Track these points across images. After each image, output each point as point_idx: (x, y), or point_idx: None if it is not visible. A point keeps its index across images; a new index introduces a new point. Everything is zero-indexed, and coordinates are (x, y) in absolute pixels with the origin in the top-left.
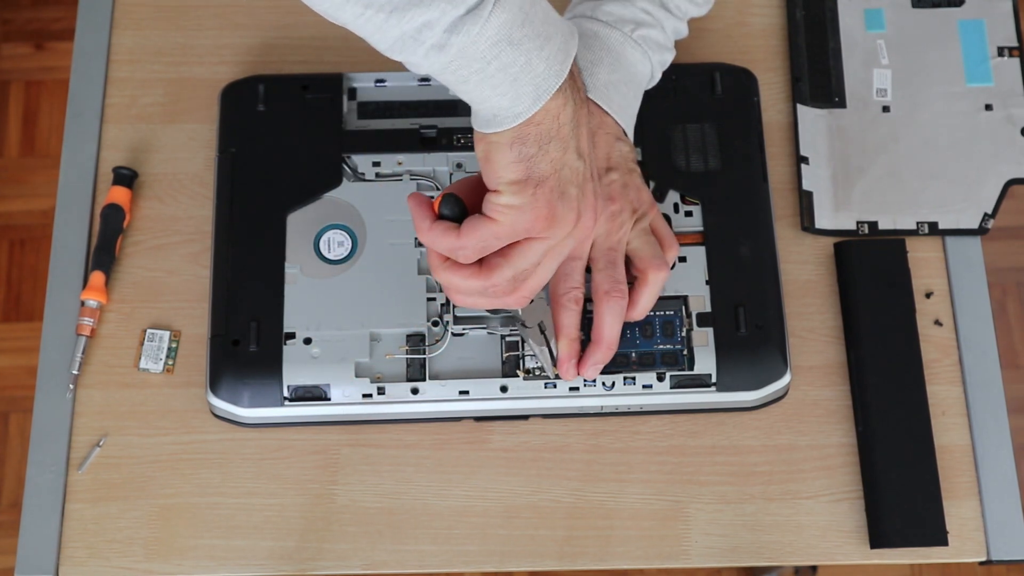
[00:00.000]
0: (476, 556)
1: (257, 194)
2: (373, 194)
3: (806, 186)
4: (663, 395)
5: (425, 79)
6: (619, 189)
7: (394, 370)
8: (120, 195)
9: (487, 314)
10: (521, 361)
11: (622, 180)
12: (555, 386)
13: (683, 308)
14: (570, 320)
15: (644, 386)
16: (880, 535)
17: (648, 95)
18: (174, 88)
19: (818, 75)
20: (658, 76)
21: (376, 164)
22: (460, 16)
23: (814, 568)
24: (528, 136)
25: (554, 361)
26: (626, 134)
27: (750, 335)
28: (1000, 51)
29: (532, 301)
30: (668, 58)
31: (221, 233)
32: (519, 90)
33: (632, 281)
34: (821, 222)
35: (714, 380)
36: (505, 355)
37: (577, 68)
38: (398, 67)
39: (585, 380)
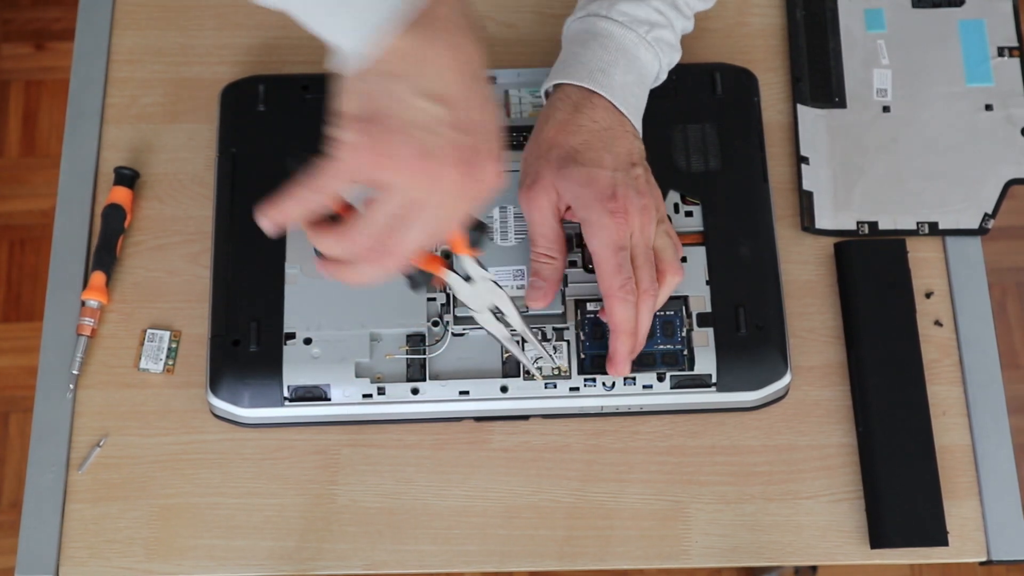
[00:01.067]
0: (476, 556)
1: (257, 194)
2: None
3: (806, 186)
4: (663, 395)
5: None
6: (644, 184)
7: (394, 370)
8: (121, 195)
9: None
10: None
11: (646, 176)
12: (555, 386)
13: (683, 308)
14: (627, 313)
15: (644, 386)
16: (880, 535)
17: (649, 95)
18: (174, 88)
19: (818, 75)
20: (664, 77)
21: None
22: None
23: (814, 568)
24: (369, 72)
25: (522, 346)
26: (637, 136)
27: (750, 335)
28: (1000, 51)
29: (471, 280)
30: (676, 58)
31: (221, 233)
32: (343, 25)
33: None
34: (821, 222)
35: (714, 380)
36: (505, 355)
37: (448, 10)
38: None
39: (585, 380)
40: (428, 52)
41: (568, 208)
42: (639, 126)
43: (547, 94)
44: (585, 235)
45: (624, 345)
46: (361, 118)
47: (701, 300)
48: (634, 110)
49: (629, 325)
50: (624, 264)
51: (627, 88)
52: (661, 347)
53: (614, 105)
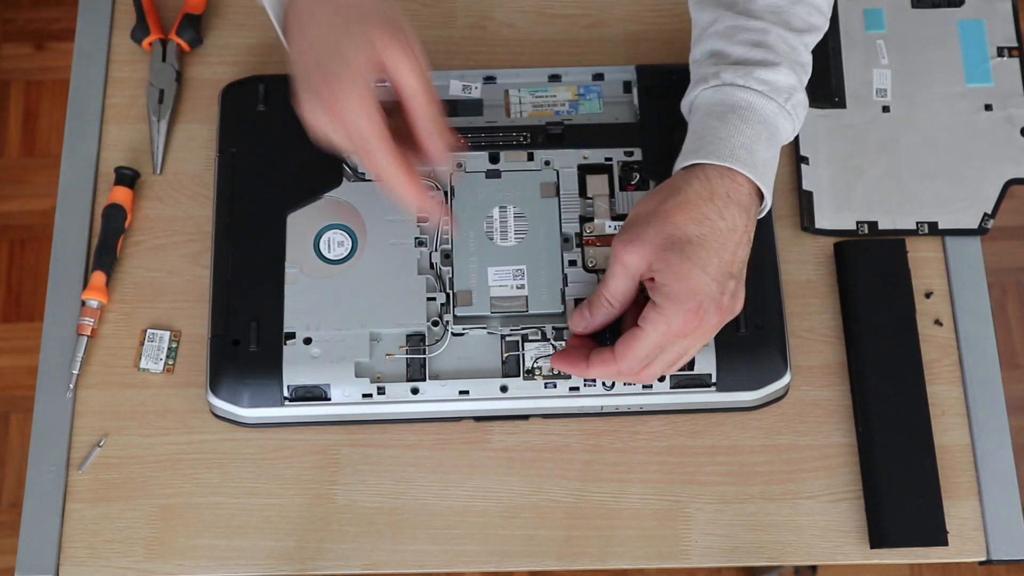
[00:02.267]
0: (476, 556)
1: (257, 194)
2: (373, 194)
3: (806, 186)
4: (663, 395)
5: None
6: (729, 300)
7: (394, 370)
8: (122, 195)
9: (487, 314)
10: (521, 361)
11: (734, 291)
12: (555, 386)
13: None
14: (606, 374)
15: (644, 386)
16: (880, 535)
17: (649, 95)
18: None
19: (818, 75)
20: (791, 138)
21: None
22: None
23: (814, 568)
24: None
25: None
26: (766, 211)
27: (750, 335)
28: (1000, 51)
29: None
30: (804, 115)
31: (221, 233)
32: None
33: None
34: (821, 222)
35: (714, 380)
36: (505, 355)
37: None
38: None
39: (585, 380)
40: None
41: (652, 279)
42: (771, 199)
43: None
44: (645, 312)
45: (571, 369)
46: None
47: None
48: (769, 186)
49: (594, 377)
50: (650, 357)
51: (768, 165)
52: None
53: (756, 187)
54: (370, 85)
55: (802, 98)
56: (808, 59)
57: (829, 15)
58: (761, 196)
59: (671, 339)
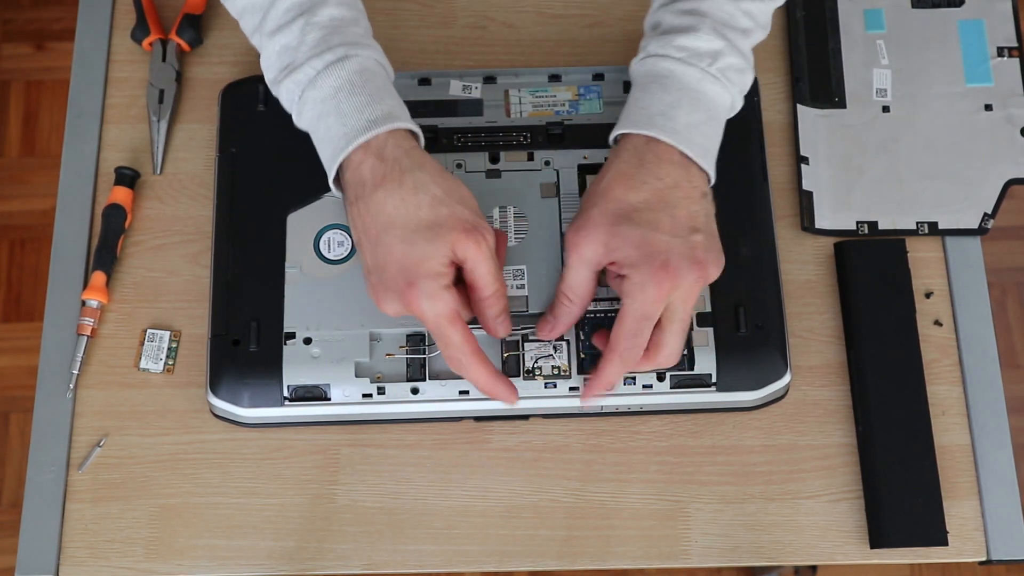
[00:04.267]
0: (476, 556)
1: (257, 194)
2: None
3: (806, 186)
4: (663, 395)
5: (425, 79)
6: (703, 253)
7: (394, 370)
8: (122, 195)
9: None
10: (521, 361)
11: (705, 243)
12: (555, 386)
13: None
14: (615, 373)
15: (644, 386)
16: (880, 535)
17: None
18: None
19: (818, 75)
20: (739, 103)
21: None
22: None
23: (814, 568)
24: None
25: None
26: (710, 180)
27: (750, 335)
28: (1000, 51)
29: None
30: (749, 80)
31: (221, 233)
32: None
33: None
34: (821, 222)
35: (714, 380)
36: (505, 355)
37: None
38: (398, 67)
39: (585, 380)
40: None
41: (613, 262)
42: (711, 166)
43: (615, 141)
44: (622, 291)
45: (596, 390)
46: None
47: (701, 300)
48: (702, 150)
49: (611, 381)
50: (642, 332)
51: (694, 128)
52: None
53: (681, 152)
54: (451, 289)
55: (733, 61)
56: (748, 24)
57: None
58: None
59: (654, 306)
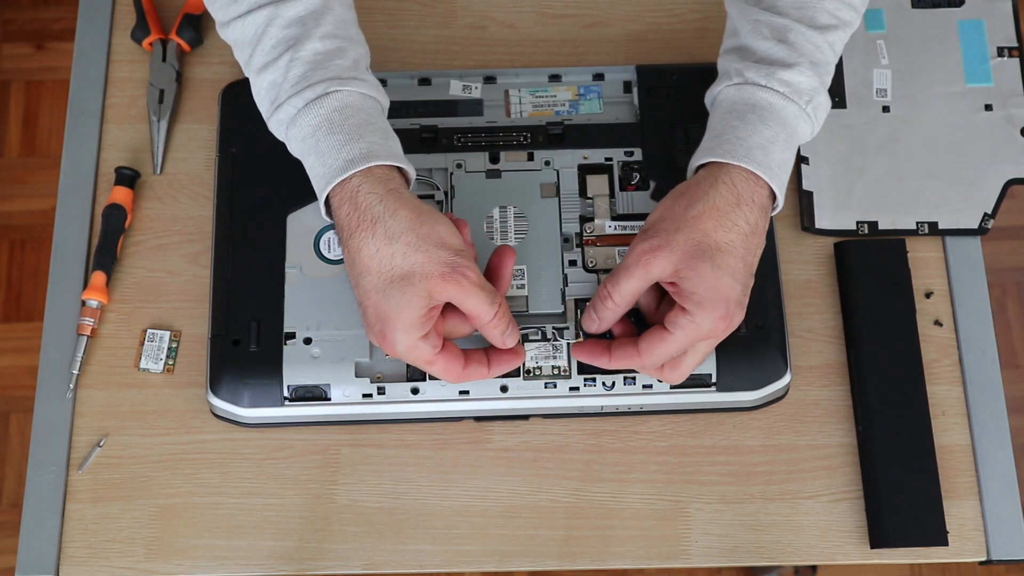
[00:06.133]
0: (476, 556)
1: (257, 194)
2: None
3: (806, 186)
4: (663, 395)
5: (425, 80)
6: (746, 300)
7: (394, 370)
8: (122, 195)
9: None
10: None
11: (748, 292)
12: (555, 386)
13: None
14: (629, 366)
15: (644, 386)
16: (880, 535)
17: (649, 95)
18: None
19: None
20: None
21: None
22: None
23: (814, 568)
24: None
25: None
26: (778, 209)
27: (750, 335)
28: (1000, 51)
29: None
30: (824, 116)
31: (221, 233)
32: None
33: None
34: (821, 222)
35: (714, 380)
36: None
37: (353, 191)
38: (398, 67)
39: (585, 380)
40: (348, 219)
41: (673, 284)
42: (782, 200)
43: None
44: (674, 316)
45: (594, 361)
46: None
47: None
48: (782, 187)
49: (615, 367)
50: (675, 356)
51: (782, 167)
52: None
53: (772, 191)
54: (428, 337)
55: (823, 100)
56: (832, 58)
57: (862, 10)
58: (774, 196)
59: (698, 341)
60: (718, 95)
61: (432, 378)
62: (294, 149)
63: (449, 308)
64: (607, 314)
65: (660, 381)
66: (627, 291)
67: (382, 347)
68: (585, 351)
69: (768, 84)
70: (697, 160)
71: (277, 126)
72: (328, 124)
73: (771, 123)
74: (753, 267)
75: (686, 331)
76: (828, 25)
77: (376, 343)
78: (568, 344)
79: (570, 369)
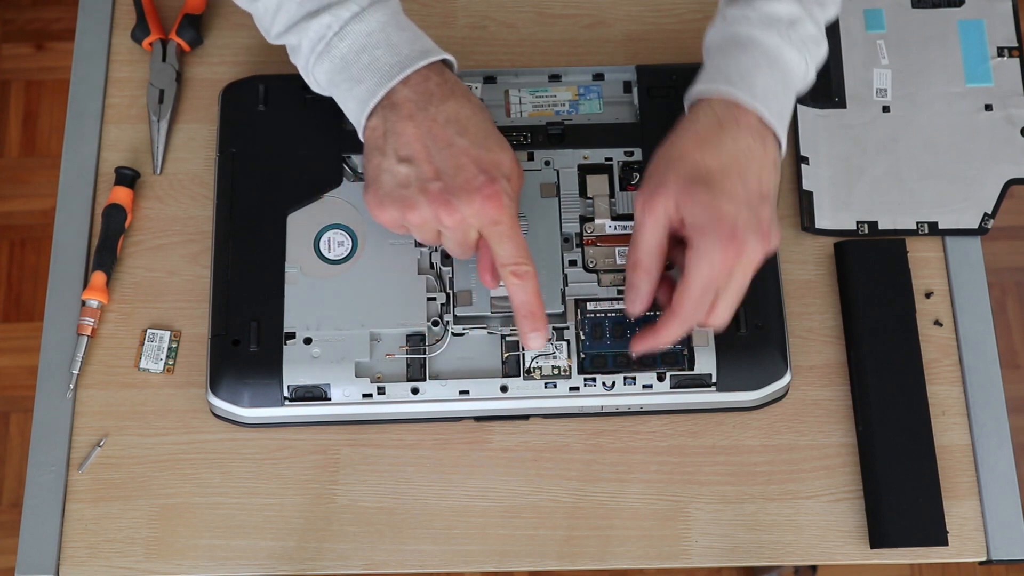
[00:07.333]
0: (476, 556)
1: (257, 194)
2: None
3: (806, 186)
4: (663, 395)
5: None
6: (767, 227)
7: (394, 370)
8: (122, 195)
9: (488, 314)
10: (521, 361)
11: (771, 217)
12: (555, 386)
13: None
14: (676, 334)
15: (644, 386)
16: (880, 535)
17: (649, 95)
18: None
19: (818, 75)
20: (812, 77)
21: None
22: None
23: (814, 568)
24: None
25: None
26: (781, 149)
27: (750, 335)
28: (1000, 51)
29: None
30: (823, 54)
31: (221, 233)
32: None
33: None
34: (821, 222)
35: (714, 380)
36: (505, 355)
37: (403, 98)
38: None
39: (585, 380)
40: (388, 128)
41: (681, 223)
42: (784, 134)
43: (689, 106)
44: (688, 257)
45: (651, 346)
46: (366, 185)
47: None
48: (778, 116)
49: (669, 340)
50: (705, 299)
51: (770, 93)
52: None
53: (759, 116)
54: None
55: (811, 31)
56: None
57: None
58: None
59: (720, 274)
60: (707, 40)
61: (432, 378)
62: (346, 46)
63: None
64: (640, 281)
65: (661, 380)
66: (646, 247)
67: (483, 198)
68: (639, 342)
69: (744, 16)
70: (686, 99)
71: (329, 21)
72: (396, 21)
73: (751, 52)
74: (761, 191)
75: (699, 264)
76: None
77: (470, 201)
78: (568, 343)
79: (570, 369)
